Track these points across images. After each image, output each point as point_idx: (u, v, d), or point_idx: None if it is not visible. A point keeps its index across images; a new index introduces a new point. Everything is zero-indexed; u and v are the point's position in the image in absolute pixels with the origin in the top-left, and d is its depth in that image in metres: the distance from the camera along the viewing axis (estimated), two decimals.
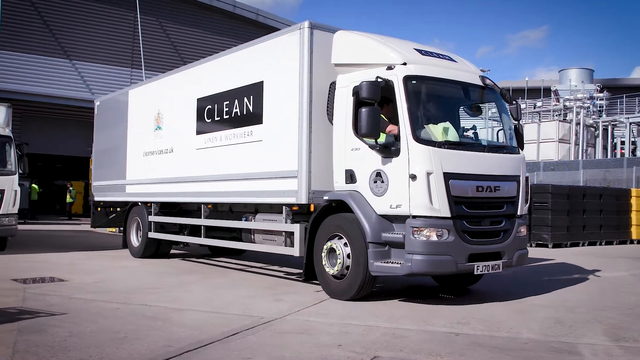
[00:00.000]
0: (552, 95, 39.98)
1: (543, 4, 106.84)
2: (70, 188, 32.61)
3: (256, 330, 6.43)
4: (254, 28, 33.05)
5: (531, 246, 17.40)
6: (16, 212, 13.91)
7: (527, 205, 8.89)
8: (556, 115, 38.48)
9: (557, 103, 39.22)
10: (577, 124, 36.38)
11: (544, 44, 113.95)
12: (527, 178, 8.87)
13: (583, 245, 18.69)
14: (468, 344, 5.97)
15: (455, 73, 8.53)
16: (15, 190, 13.78)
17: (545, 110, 39.86)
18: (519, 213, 8.57)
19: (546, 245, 17.56)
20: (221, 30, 32.80)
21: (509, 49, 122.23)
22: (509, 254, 8.33)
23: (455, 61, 8.93)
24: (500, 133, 9.00)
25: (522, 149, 9.08)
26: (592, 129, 37.87)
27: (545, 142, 36.36)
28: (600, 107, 39.06)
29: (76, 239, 18.32)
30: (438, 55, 8.78)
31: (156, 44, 30.92)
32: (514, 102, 9.18)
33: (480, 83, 8.72)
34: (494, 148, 8.63)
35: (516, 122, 9.13)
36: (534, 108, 40.17)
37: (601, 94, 39.52)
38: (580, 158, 34.79)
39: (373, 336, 6.22)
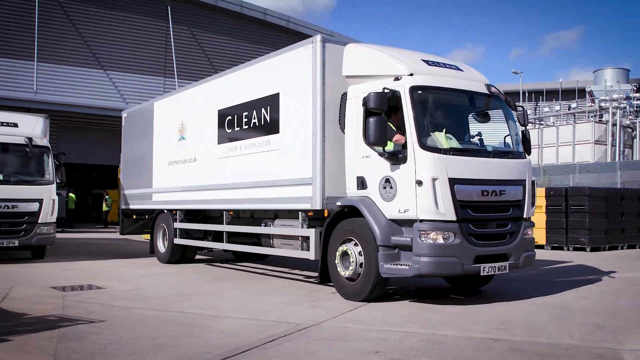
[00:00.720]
0: (587, 96, 39.91)
1: (578, 4, 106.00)
2: (106, 197, 33.57)
3: (293, 336, 6.56)
4: (285, 35, 33.92)
5: (568, 250, 17.70)
6: (54, 221, 14.47)
7: (534, 207, 9.38)
8: (592, 117, 38.42)
9: (593, 104, 39.14)
10: (614, 124, 36.27)
11: (579, 45, 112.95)
12: (533, 182, 9.33)
13: (622, 248, 18.59)
14: (507, 350, 6.02)
15: (460, 82, 9.04)
16: (53, 200, 14.36)
17: (581, 112, 39.80)
18: (525, 216, 9.03)
19: (584, 249, 17.58)
20: (252, 38, 33.70)
21: (542, 50, 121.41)
22: (515, 255, 8.79)
23: (462, 70, 9.44)
24: (507, 139, 9.47)
25: (529, 154, 9.53)
26: (629, 130, 37.69)
27: (581, 144, 36.33)
28: (637, 107, 38.84)
29: (112, 247, 18.92)
30: (445, 65, 9.30)
31: (188, 52, 31.90)
32: (520, 108, 9.66)
33: (485, 91, 9.21)
34: (499, 153, 9.08)
35: (523, 127, 9.63)
36: (569, 109, 40.15)
37: (638, 94, 39.29)
38: (617, 159, 34.69)
39: (411, 342, 6.30)
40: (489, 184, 8.60)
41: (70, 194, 30.81)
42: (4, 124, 14.47)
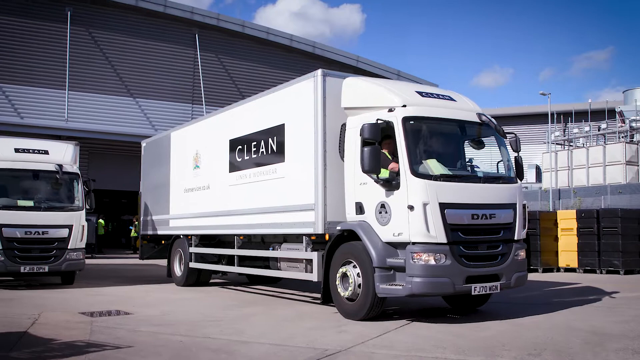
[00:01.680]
0: (617, 116, 40.13)
1: (607, 24, 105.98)
2: (136, 222, 34.63)
3: None
4: (311, 60, 35.19)
5: (601, 273, 17.74)
6: (83, 246, 14.88)
7: (525, 230, 10.10)
8: (622, 137, 38.62)
9: (623, 124, 39.35)
10: None
11: (609, 65, 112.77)
12: (524, 205, 10.05)
13: None
14: None
15: (452, 112, 9.83)
16: (83, 226, 14.82)
17: (611, 132, 40.03)
18: (516, 238, 9.73)
19: (617, 272, 17.53)
20: (278, 64, 34.83)
21: (572, 70, 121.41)
22: (507, 276, 9.46)
23: (454, 100, 10.23)
24: (499, 164, 10.23)
25: (521, 179, 10.24)
26: None
27: (612, 165, 36.56)
28: None
29: (140, 272, 19.47)
30: (438, 96, 10.11)
31: (215, 79, 33.08)
32: (513, 135, 10.43)
33: (476, 120, 9.97)
34: (489, 179, 9.81)
35: (516, 153, 10.38)
36: (599, 130, 40.40)
37: None
38: None
39: None
40: (479, 207, 9.30)
41: (100, 220, 31.84)
42: (35, 151, 15.07)
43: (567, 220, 19.15)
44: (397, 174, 9.14)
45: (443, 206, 8.94)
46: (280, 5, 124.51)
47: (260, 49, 34.64)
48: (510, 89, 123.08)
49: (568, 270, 18.78)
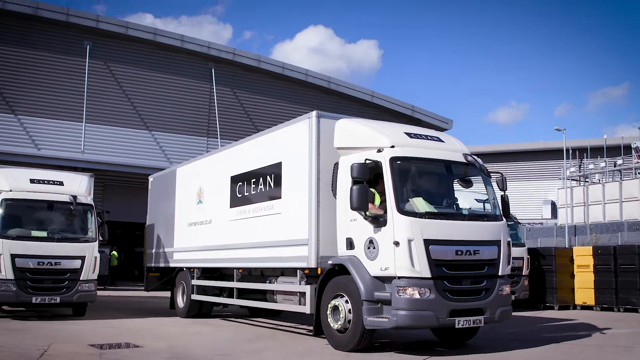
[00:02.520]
0: (633, 152, 40.50)
1: (623, 61, 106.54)
2: None
3: None
4: (326, 95, 36.14)
5: (619, 311, 17.79)
6: (95, 278, 15.07)
7: (509, 266, 10.72)
8: (638, 173, 38.98)
9: (639, 160, 39.74)
10: None
11: (625, 101, 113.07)
12: (509, 242, 10.65)
13: None
14: None
15: (438, 152, 10.52)
16: (95, 257, 14.99)
17: (627, 169, 40.40)
18: (500, 273, 10.32)
19: (636, 310, 17.41)
20: (293, 98, 35.52)
21: (589, 106, 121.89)
22: (491, 310, 10.02)
23: (443, 141, 10.94)
24: (485, 203, 10.88)
25: (507, 217, 10.89)
26: None
27: (629, 201, 36.87)
28: None
29: (151, 304, 19.61)
30: (427, 137, 10.84)
31: (230, 113, 33.72)
32: (499, 174, 11.10)
33: (462, 160, 10.64)
34: (474, 216, 10.43)
35: (502, 192, 11.04)
36: (615, 166, 40.79)
37: None
38: None
39: None
40: (463, 244, 9.92)
41: (113, 252, 32.47)
42: (50, 182, 15.39)
43: (583, 257, 19.29)
44: (385, 211, 9.81)
45: (427, 242, 9.57)
46: (298, 41, 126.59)
47: (275, 83, 35.36)
48: (526, 124, 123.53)
49: (585, 307, 18.86)
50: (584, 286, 19.02)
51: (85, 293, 14.83)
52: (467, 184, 11.02)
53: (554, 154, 49.59)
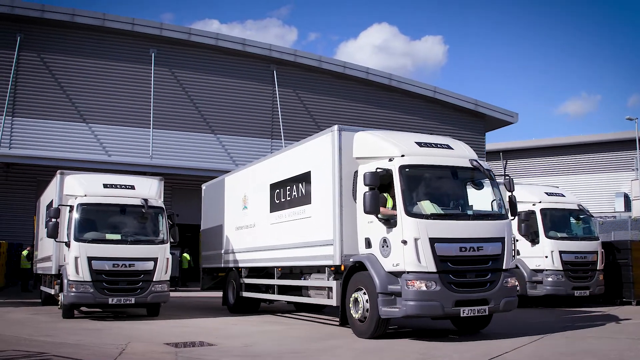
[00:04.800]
0: None
1: None
2: None
3: None
4: (388, 92, 37.86)
5: None
6: (168, 279, 15.99)
7: (514, 260, 12.36)
8: None
9: None
10: None
11: None
12: (513, 238, 12.32)
13: None
14: None
15: (445, 159, 12.25)
16: (167, 258, 15.91)
17: None
18: (504, 267, 11.96)
19: None
20: (355, 97, 37.39)
21: None
22: (495, 300, 11.68)
23: (451, 148, 12.66)
24: (493, 203, 12.48)
25: (514, 216, 12.54)
26: None
27: None
28: None
29: (214, 302, 20.30)
30: (435, 145, 12.58)
31: (293, 114, 35.73)
32: (507, 177, 12.73)
33: (468, 165, 12.33)
34: (478, 216, 12.13)
35: (510, 193, 12.67)
36: None
37: None
38: None
39: None
40: (467, 241, 11.62)
41: (185, 254, 34.61)
42: (123, 186, 16.49)
43: None
44: (395, 214, 11.66)
45: (433, 240, 11.34)
46: (362, 40, 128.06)
47: (337, 83, 37.14)
48: (598, 115, 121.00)
49: (623, 303, 19.47)
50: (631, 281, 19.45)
51: (159, 294, 15.76)
52: (476, 186, 12.70)
53: (626, 144, 49.76)
